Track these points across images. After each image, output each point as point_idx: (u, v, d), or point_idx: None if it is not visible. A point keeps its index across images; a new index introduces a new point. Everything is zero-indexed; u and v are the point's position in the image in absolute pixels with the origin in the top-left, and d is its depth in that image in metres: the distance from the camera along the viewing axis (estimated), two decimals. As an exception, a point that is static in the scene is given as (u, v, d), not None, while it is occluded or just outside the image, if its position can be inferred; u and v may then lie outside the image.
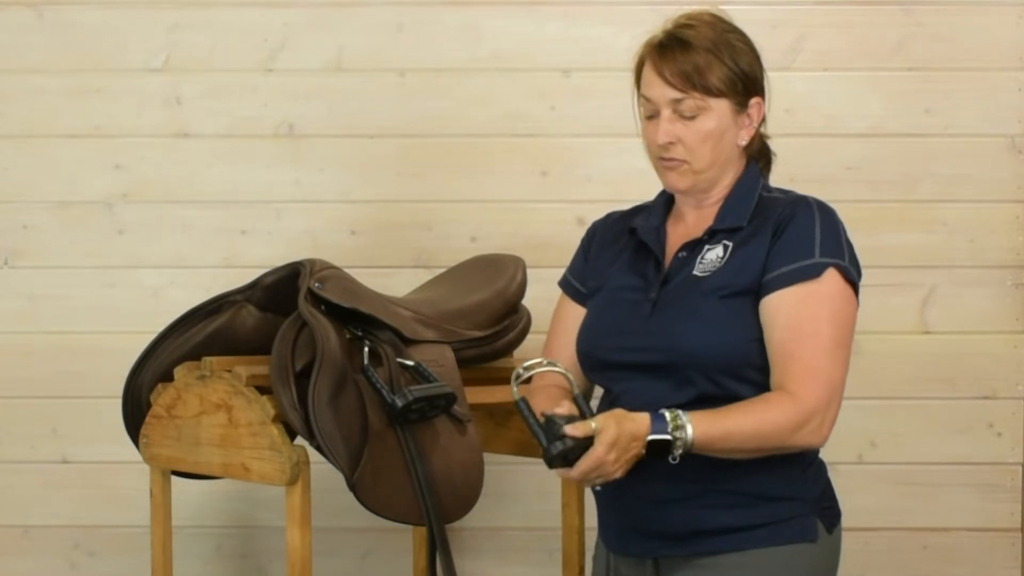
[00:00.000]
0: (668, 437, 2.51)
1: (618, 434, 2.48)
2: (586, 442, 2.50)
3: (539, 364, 2.60)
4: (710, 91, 2.66)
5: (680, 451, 2.52)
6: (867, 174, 3.76)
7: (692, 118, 2.67)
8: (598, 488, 2.57)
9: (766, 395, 2.59)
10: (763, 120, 2.75)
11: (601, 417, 2.51)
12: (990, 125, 3.75)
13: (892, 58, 3.76)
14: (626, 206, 2.93)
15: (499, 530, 3.80)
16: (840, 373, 2.61)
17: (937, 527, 3.78)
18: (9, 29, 3.79)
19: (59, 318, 3.80)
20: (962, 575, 3.78)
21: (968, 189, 3.76)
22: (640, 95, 2.73)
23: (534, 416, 2.55)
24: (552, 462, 2.52)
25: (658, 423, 2.52)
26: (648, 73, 2.70)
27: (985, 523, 3.77)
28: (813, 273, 2.60)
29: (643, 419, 2.52)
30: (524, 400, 2.56)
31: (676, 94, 2.66)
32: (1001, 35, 3.75)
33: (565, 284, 2.90)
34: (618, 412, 2.53)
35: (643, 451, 2.52)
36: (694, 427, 2.51)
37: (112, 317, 3.79)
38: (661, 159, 2.70)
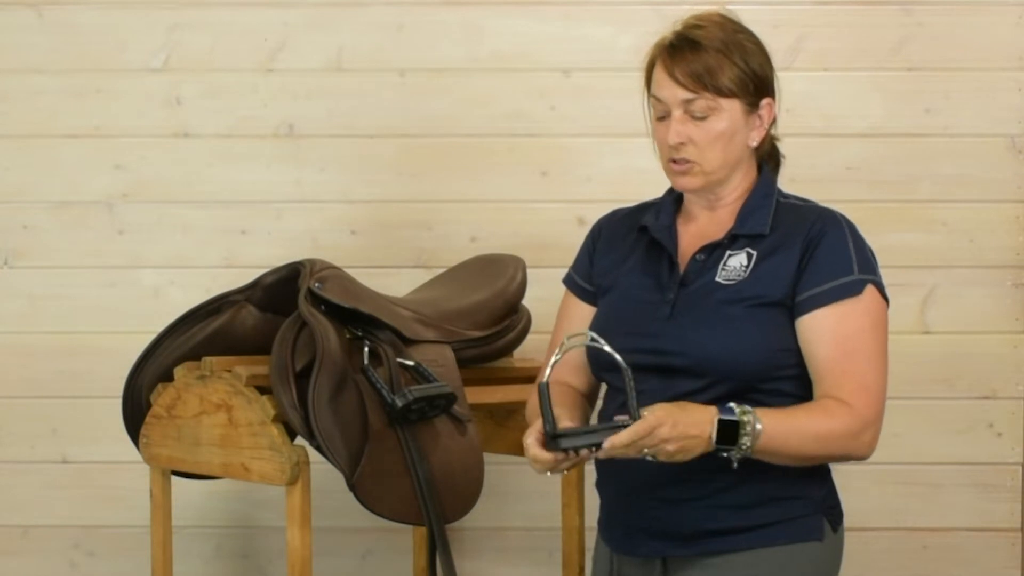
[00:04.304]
0: (735, 418, 2.50)
1: (666, 414, 2.47)
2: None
3: (582, 336, 2.56)
4: (721, 91, 2.65)
5: (748, 440, 2.50)
6: (867, 174, 3.76)
7: (703, 119, 2.66)
8: (651, 459, 2.53)
9: (821, 402, 2.60)
10: (774, 121, 2.75)
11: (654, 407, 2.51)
12: (990, 125, 3.75)
13: (892, 58, 3.76)
14: (626, 206, 2.92)
15: (499, 530, 3.79)
16: (885, 387, 2.65)
17: (937, 527, 3.78)
18: (9, 29, 3.79)
19: (59, 318, 3.80)
20: (962, 575, 3.78)
21: (968, 189, 3.76)
22: (651, 96, 2.72)
23: (551, 406, 2.50)
24: (552, 444, 2.50)
25: (726, 411, 2.52)
26: (659, 74, 2.69)
27: (985, 523, 3.77)
28: (855, 290, 2.62)
29: (708, 407, 2.52)
30: (546, 385, 2.51)
31: (687, 94, 2.66)
32: (1001, 35, 3.75)
33: (569, 282, 2.88)
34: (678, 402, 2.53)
35: (711, 440, 2.49)
36: (762, 420, 2.51)
37: (112, 317, 3.79)
38: (671, 161, 2.70)
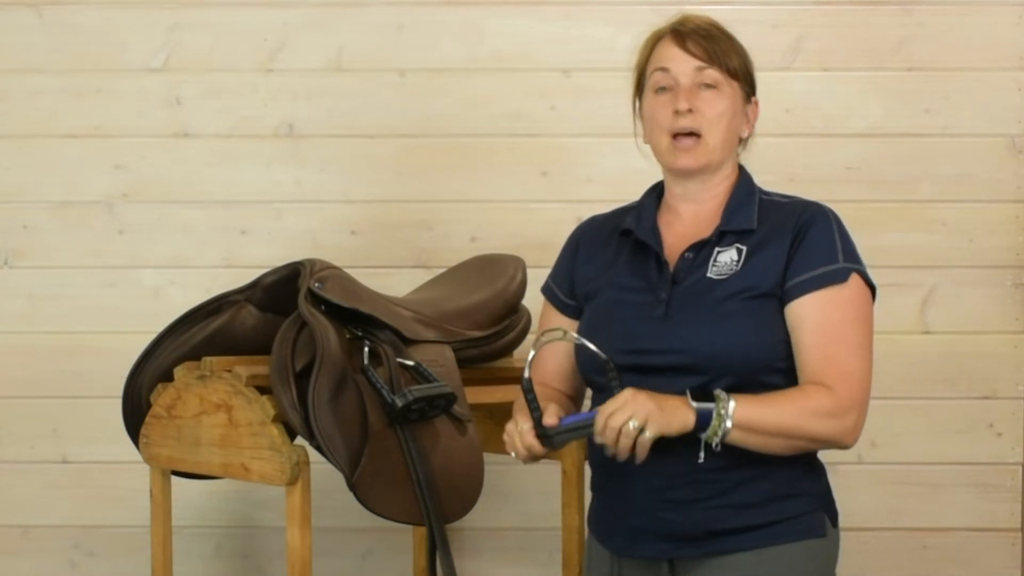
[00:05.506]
0: (710, 404, 2.52)
1: (633, 394, 2.50)
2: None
3: (557, 332, 2.59)
4: (729, 70, 2.70)
5: (724, 409, 2.52)
6: (867, 174, 3.76)
7: (712, 87, 2.69)
8: (636, 427, 2.52)
9: (801, 385, 2.61)
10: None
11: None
12: (990, 125, 3.76)
13: (892, 58, 3.76)
14: (602, 212, 2.91)
15: (499, 530, 3.80)
16: (869, 374, 2.64)
17: (937, 527, 3.78)
18: (9, 29, 3.79)
19: (59, 318, 3.80)
20: (962, 575, 3.78)
21: (968, 189, 3.76)
22: (652, 70, 2.73)
23: (537, 402, 2.55)
24: (545, 441, 2.55)
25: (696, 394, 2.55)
26: (667, 50, 2.72)
27: (985, 523, 3.77)
28: (840, 278, 2.63)
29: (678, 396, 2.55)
30: (530, 380, 2.55)
31: (700, 63, 2.69)
32: (1001, 35, 3.76)
33: (548, 292, 2.90)
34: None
35: (688, 401, 2.52)
36: (735, 396, 2.53)
37: (112, 317, 3.79)
38: (675, 136, 2.70)
